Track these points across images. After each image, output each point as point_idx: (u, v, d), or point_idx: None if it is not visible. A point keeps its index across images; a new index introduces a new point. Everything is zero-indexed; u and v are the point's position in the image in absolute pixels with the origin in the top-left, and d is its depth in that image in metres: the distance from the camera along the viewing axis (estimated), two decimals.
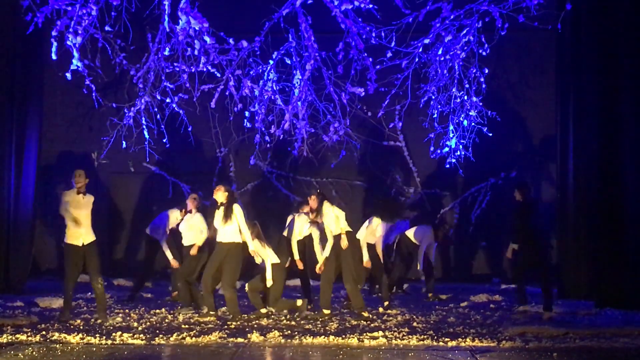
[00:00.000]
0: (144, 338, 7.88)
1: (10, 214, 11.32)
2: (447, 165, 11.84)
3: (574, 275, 10.90)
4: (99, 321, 8.85)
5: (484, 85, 11.00)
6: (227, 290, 9.16)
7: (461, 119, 11.30)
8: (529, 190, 9.76)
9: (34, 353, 7.18)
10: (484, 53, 10.60)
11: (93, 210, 8.99)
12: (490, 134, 11.40)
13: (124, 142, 11.16)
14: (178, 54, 10.14)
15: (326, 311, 9.33)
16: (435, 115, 11.23)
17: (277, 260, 9.48)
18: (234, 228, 9.16)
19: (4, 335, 7.88)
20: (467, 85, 10.97)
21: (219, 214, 9.22)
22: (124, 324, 8.79)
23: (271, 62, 10.71)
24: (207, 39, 10.04)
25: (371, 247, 10.20)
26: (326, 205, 9.54)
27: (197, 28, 9.94)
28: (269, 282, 9.35)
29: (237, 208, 9.17)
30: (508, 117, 12.67)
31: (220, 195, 9.27)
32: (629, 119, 10.12)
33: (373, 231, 10.31)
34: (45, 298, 10.34)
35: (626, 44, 10.14)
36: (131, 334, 8.03)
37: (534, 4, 9.66)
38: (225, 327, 8.61)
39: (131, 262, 13.93)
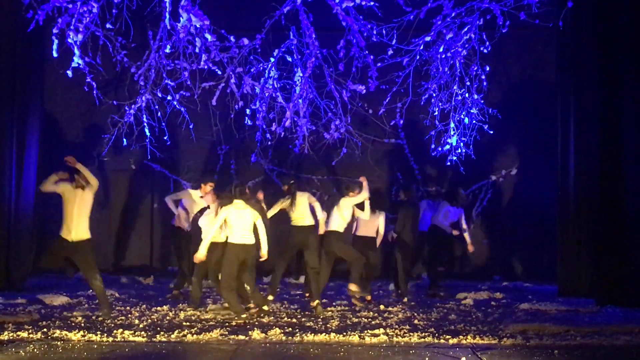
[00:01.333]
0: (145, 335, 7.89)
1: (11, 211, 11.33)
2: (448, 163, 11.84)
3: (575, 272, 10.91)
4: (100, 318, 8.85)
5: (485, 83, 11.01)
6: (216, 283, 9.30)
7: (462, 116, 11.31)
8: (412, 191, 11.24)
9: (35, 350, 7.19)
10: (485, 50, 10.61)
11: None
12: (491, 132, 11.40)
13: (124, 140, 11.16)
14: (179, 52, 10.15)
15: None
16: (436, 113, 11.24)
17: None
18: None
19: (5, 333, 7.88)
20: (468, 83, 10.97)
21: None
22: (125, 321, 8.81)
23: (272, 59, 10.71)
24: (208, 36, 10.05)
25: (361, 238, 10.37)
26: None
27: (198, 25, 9.95)
28: (265, 257, 9.25)
29: (221, 212, 9.02)
30: (509, 114, 12.66)
31: (209, 198, 9.45)
32: (630, 116, 10.11)
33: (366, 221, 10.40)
34: (46, 295, 10.35)
35: (627, 41, 10.13)
36: (132, 331, 8.04)
37: (535, 2, 9.67)
38: (227, 324, 8.62)
39: (132, 260, 13.95)
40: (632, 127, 10.09)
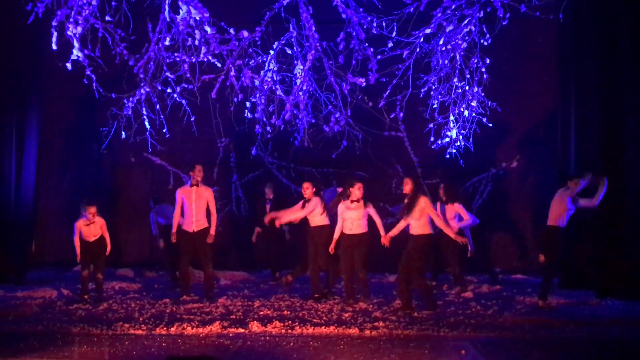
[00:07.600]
0: (145, 328, 7.90)
1: (11, 204, 11.34)
2: (448, 156, 11.81)
3: (575, 265, 10.90)
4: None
5: (485, 76, 10.97)
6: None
7: (462, 109, 11.27)
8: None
9: (35, 343, 7.20)
10: (485, 43, 10.57)
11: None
12: (491, 125, 11.38)
13: (123, 133, 11.14)
14: (178, 44, 10.12)
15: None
16: (436, 106, 11.20)
17: None
18: None
19: (6, 326, 7.90)
20: (468, 76, 10.94)
21: None
22: (125, 314, 8.82)
23: (272, 52, 10.68)
24: (207, 29, 10.01)
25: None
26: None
27: (197, 18, 9.92)
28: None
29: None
30: (509, 107, 12.62)
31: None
32: (631, 108, 10.11)
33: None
34: (46, 289, 10.38)
35: (627, 33, 10.12)
36: (132, 324, 8.05)
37: None
38: (226, 317, 8.62)
39: (133, 252, 13.93)
40: (632, 118, 10.09)
